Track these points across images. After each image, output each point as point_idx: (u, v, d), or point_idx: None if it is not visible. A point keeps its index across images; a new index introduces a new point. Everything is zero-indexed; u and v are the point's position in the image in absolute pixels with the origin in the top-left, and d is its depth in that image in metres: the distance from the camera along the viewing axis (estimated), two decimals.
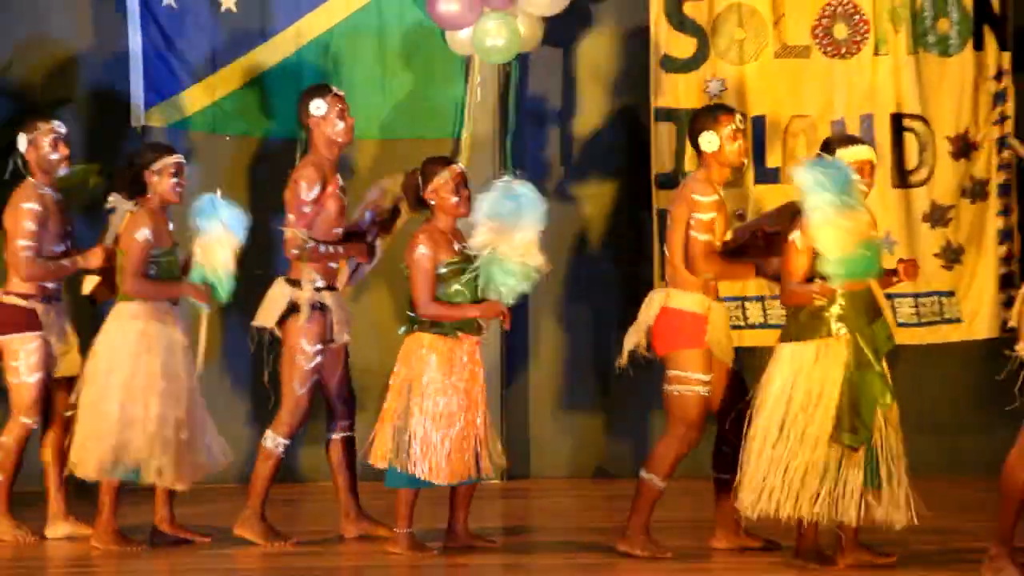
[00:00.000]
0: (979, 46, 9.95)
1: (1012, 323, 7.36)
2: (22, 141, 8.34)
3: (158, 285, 8.14)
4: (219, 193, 8.25)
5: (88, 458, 8.01)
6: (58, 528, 8.36)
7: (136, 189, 8.11)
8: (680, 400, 7.72)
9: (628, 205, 10.32)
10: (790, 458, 7.31)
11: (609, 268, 10.55)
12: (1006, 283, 9.79)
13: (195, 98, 10.14)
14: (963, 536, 8.08)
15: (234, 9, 10.12)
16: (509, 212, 7.94)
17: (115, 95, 10.23)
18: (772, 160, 10.09)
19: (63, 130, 8.40)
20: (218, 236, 8.18)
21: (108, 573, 8.07)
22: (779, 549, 7.70)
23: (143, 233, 8.03)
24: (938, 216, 9.98)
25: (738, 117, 8.02)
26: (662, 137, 10.22)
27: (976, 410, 9.80)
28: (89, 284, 8.44)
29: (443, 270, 7.79)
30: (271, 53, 10.21)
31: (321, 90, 8.36)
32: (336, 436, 8.32)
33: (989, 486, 7.49)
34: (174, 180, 8.08)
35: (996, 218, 10.02)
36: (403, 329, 8.17)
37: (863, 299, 7.36)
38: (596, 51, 10.60)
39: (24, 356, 8.39)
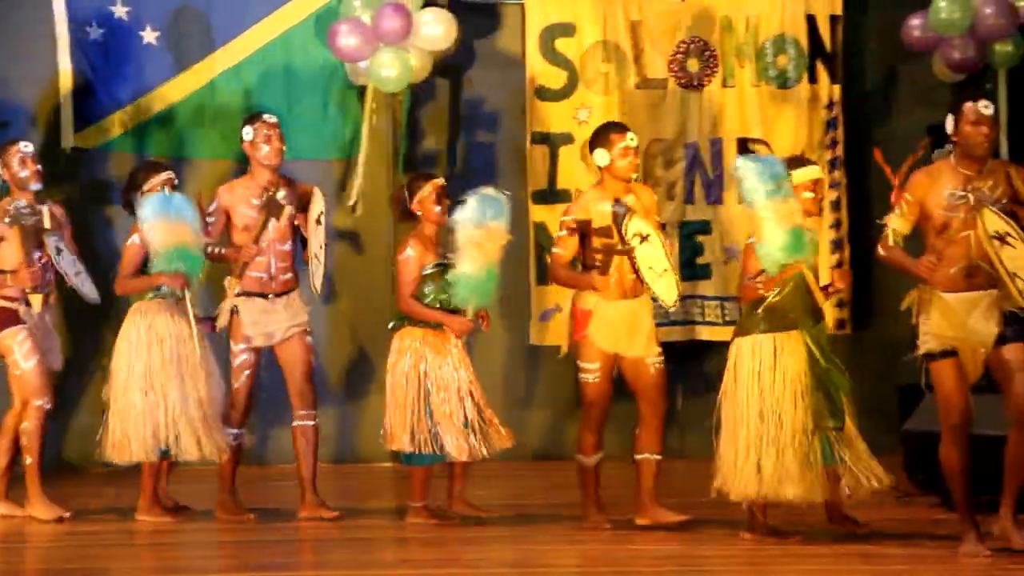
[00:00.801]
0: (813, 79, 10.89)
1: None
2: None
3: (136, 281, 8.72)
4: (166, 189, 8.77)
5: (125, 444, 8.70)
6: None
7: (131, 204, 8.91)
8: (580, 384, 8.49)
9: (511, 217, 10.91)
10: (771, 444, 7.85)
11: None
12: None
13: (119, 122, 10.66)
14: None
15: (154, 43, 10.70)
16: (490, 216, 8.63)
17: (47, 118, 10.78)
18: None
19: (29, 149, 8.90)
20: (171, 226, 8.67)
21: (167, 544, 8.75)
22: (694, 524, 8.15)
23: (133, 239, 8.73)
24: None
25: (629, 135, 8.49)
26: (536, 158, 10.96)
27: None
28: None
29: (427, 271, 8.53)
30: (188, 82, 10.79)
31: (252, 118, 8.96)
32: (297, 424, 8.94)
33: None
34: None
35: (829, 230, 10.84)
36: (392, 324, 8.87)
37: (804, 301, 7.89)
38: (480, 81, 11.27)
39: (17, 347, 8.95)
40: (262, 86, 10.92)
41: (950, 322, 7.52)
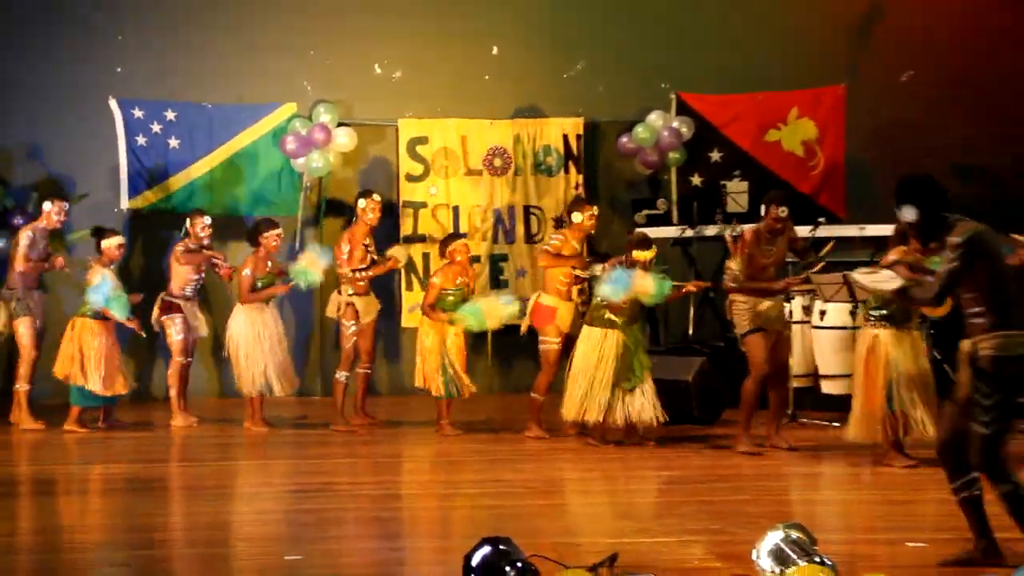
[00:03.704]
0: (567, 171, 13.78)
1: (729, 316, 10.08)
2: (46, 206, 11.63)
3: (256, 294, 11.13)
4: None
5: (244, 383, 11.29)
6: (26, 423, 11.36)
7: (254, 242, 11.40)
8: (544, 351, 10.80)
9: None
10: (596, 388, 10.06)
11: (390, 294, 13.24)
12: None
13: (154, 193, 13.31)
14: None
15: (176, 147, 13.41)
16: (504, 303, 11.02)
17: (111, 189, 13.34)
18: (462, 228, 13.48)
19: (66, 206, 11.73)
20: (312, 258, 11.40)
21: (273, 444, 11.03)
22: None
23: (247, 270, 11.25)
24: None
25: (594, 207, 10.92)
26: (406, 216, 13.57)
27: None
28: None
29: (449, 294, 10.97)
30: (198, 169, 13.43)
31: (365, 193, 11.38)
32: (360, 371, 11.48)
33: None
34: (274, 242, 11.41)
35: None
36: (411, 308, 12.26)
37: (629, 310, 10.16)
38: (372, 169, 13.94)
39: (173, 326, 11.64)
40: (241, 171, 13.50)
41: (759, 314, 9.92)
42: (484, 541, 5.81)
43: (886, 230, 9.93)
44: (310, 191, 13.61)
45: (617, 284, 9.98)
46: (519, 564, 5.64)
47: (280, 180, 13.69)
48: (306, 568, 6.73)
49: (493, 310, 10.92)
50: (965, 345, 6.49)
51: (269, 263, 11.40)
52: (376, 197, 11.43)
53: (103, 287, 11.19)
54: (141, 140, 13.34)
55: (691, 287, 10.75)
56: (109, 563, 7.05)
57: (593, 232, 11.08)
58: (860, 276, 7.92)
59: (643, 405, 10.12)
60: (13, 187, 13.26)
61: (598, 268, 10.58)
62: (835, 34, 14.01)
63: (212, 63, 13.62)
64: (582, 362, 10.21)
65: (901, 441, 9.36)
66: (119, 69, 13.50)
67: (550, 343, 10.71)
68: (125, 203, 13.23)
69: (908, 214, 6.57)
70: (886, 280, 7.11)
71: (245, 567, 7.03)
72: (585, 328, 10.30)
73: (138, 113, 13.26)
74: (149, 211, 13.49)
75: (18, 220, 12.52)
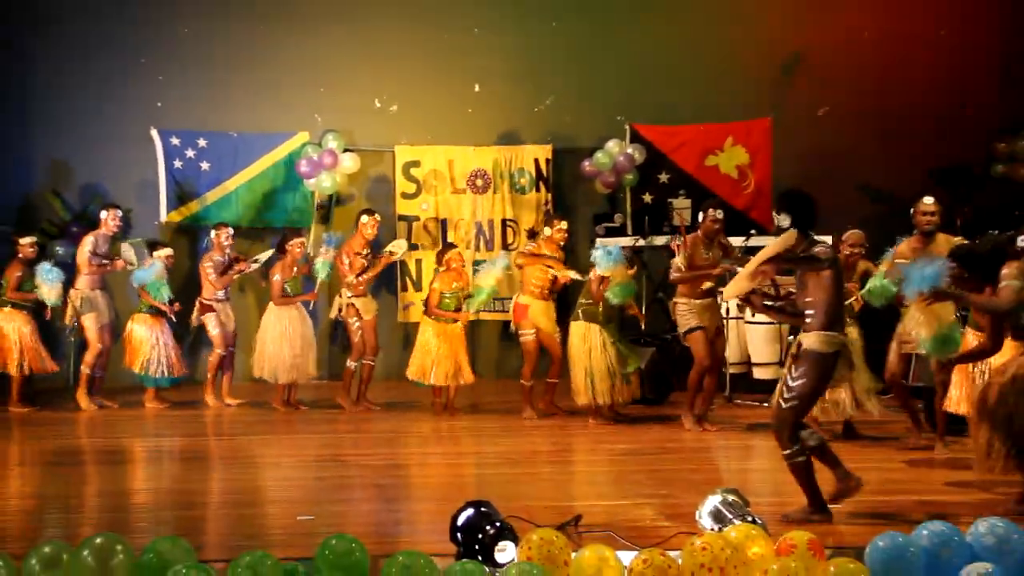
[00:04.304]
0: (539, 189, 13.63)
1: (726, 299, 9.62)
2: (103, 214, 11.50)
3: (288, 298, 11.07)
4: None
5: (267, 369, 11.35)
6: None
7: (281, 251, 11.44)
8: (523, 342, 10.79)
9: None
10: (596, 375, 10.08)
11: (386, 294, 13.26)
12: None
13: (188, 208, 13.28)
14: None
15: (208, 170, 13.34)
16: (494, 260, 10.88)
17: (151, 205, 13.27)
18: (449, 238, 13.37)
19: (120, 213, 11.59)
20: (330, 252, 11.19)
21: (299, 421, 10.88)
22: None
23: (277, 275, 11.28)
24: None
25: (564, 222, 10.82)
26: (401, 229, 13.42)
27: None
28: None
29: (447, 296, 10.86)
30: (223, 189, 13.38)
31: (368, 211, 11.25)
32: (365, 362, 11.24)
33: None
34: (298, 248, 11.41)
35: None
36: (405, 306, 12.22)
37: (608, 311, 10.23)
38: (372, 188, 13.85)
39: (211, 323, 11.64)
40: (262, 190, 13.46)
41: (698, 313, 9.95)
42: (468, 504, 5.83)
43: None
44: (319, 207, 13.56)
45: (608, 258, 10.01)
46: (498, 524, 5.65)
47: (295, 197, 13.64)
48: (318, 526, 6.74)
49: (485, 276, 10.91)
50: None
51: (295, 268, 11.40)
52: (376, 216, 11.45)
53: (151, 270, 11.26)
54: (177, 163, 13.34)
55: (637, 312, 10.82)
56: (158, 521, 7.10)
57: (564, 243, 10.99)
58: None
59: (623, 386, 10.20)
60: (69, 201, 13.36)
61: (573, 272, 10.63)
62: (762, 75, 13.99)
63: (237, 99, 13.65)
64: (574, 353, 10.16)
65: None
66: (159, 104, 13.56)
67: (527, 335, 10.68)
68: (164, 216, 13.22)
69: (783, 221, 6.66)
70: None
71: (268, 525, 7.08)
72: (572, 324, 10.26)
73: (175, 141, 13.26)
74: (184, 223, 13.52)
75: (75, 229, 12.54)
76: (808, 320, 6.55)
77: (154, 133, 13.25)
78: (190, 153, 13.33)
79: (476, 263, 13.24)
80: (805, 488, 6.64)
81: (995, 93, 14.00)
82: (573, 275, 10.61)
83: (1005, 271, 6.67)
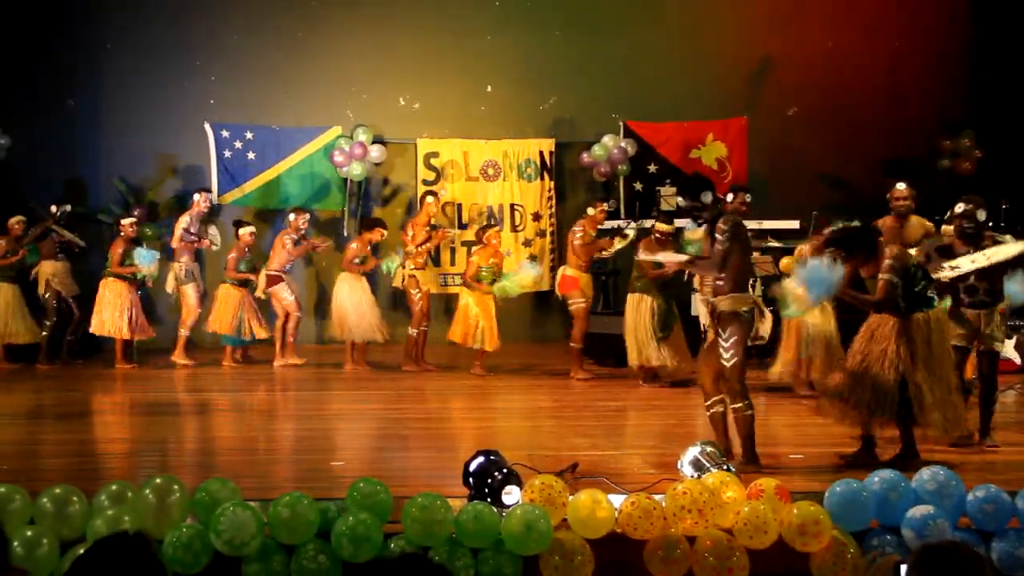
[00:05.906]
0: (542, 179, 13.47)
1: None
2: (195, 196, 11.43)
3: (355, 266, 10.77)
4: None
5: (337, 330, 11.12)
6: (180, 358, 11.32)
7: (361, 232, 11.24)
8: (575, 310, 10.41)
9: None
10: (644, 341, 9.71)
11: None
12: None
13: (237, 192, 13.09)
14: None
15: (253, 159, 13.12)
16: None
17: (199, 185, 12.75)
18: (464, 221, 13.21)
19: (210, 196, 11.69)
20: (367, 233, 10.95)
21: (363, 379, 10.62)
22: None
23: (355, 245, 11.08)
24: (527, 245, 13.24)
25: (604, 204, 10.63)
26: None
27: None
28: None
29: (484, 270, 10.55)
30: (267, 176, 13.19)
31: (432, 192, 11.40)
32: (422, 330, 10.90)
33: None
34: (378, 236, 11.12)
35: (549, 246, 13.47)
36: (458, 282, 11.35)
37: (656, 283, 9.61)
38: (396, 174, 13.71)
39: (284, 291, 11.46)
40: (300, 177, 13.23)
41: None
42: (479, 452, 5.76)
43: (779, 224, 10.42)
44: (352, 192, 13.40)
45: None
46: (505, 470, 5.61)
47: (330, 184, 13.45)
48: (348, 472, 6.65)
49: (522, 277, 10.63)
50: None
51: (368, 249, 11.31)
52: (440, 197, 11.46)
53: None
54: (227, 153, 13.15)
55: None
56: (205, 466, 7.06)
57: (601, 223, 10.70)
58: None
59: (668, 353, 9.78)
60: (131, 184, 13.21)
61: (617, 243, 10.41)
62: (738, 79, 13.81)
63: (279, 97, 13.46)
64: (628, 321, 9.83)
65: (804, 379, 9.29)
66: (212, 101, 13.40)
67: (578, 302, 10.34)
68: (215, 199, 12.87)
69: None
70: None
71: (305, 469, 7.01)
72: (628, 296, 9.97)
73: (225, 133, 13.06)
74: (233, 205, 13.35)
75: (136, 211, 12.42)
76: (719, 285, 6.47)
77: (207, 126, 13.07)
78: (238, 144, 13.12)
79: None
80: (744, 441, 6.50)
81: (938, 97, 13.93)
82: (618, 246, 10.51)
83: (886, 262, 6.34)
